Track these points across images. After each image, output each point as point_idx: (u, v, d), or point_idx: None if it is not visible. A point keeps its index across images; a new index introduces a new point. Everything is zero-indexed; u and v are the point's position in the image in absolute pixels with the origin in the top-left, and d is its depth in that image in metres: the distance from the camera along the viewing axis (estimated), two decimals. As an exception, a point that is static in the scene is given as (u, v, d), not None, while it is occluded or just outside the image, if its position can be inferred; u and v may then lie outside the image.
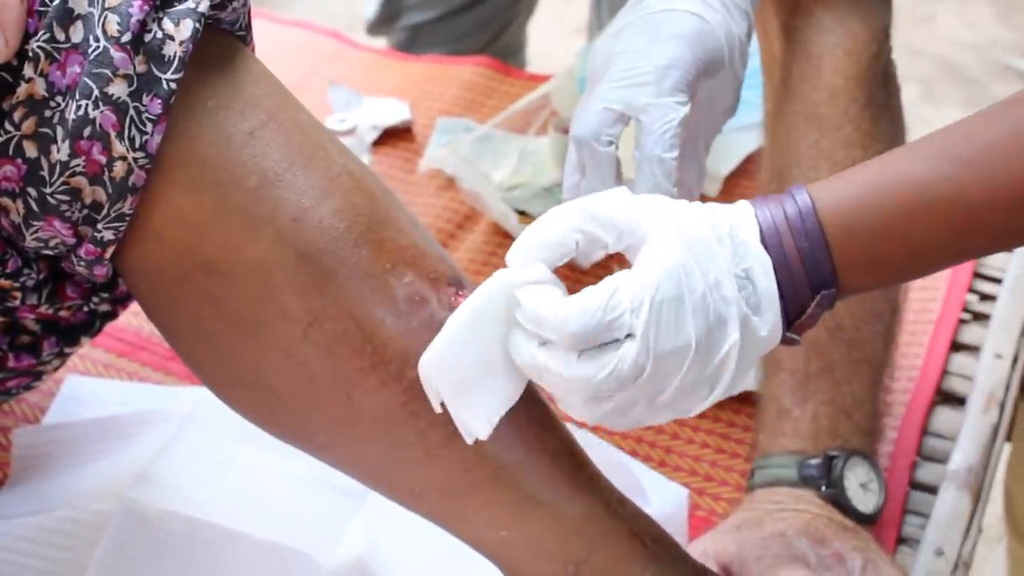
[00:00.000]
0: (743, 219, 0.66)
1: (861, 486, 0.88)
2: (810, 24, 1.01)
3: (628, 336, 0.63)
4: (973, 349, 1.11)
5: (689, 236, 0.64)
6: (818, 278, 0.66)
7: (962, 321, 1.14)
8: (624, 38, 0.82)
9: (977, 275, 1.19)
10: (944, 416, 1.05)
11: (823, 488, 0.87)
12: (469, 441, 0.67)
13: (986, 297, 1.17)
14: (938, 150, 0.66)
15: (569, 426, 0.77)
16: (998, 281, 1.18)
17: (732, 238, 0.65)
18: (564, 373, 0.64)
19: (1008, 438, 1.09)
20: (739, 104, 0.86)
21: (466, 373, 0.65)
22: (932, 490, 0.98)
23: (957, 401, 1.07)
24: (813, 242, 0.66)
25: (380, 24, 1.80)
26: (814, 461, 0.87)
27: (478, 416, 0.66)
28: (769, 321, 0.66)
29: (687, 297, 0.63)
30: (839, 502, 0.86)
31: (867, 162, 0.68)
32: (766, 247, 0.66)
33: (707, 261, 0.64)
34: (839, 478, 0.86)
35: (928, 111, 2.81)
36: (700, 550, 0.84)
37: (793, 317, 0.67)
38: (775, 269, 0.65)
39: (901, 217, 0.65)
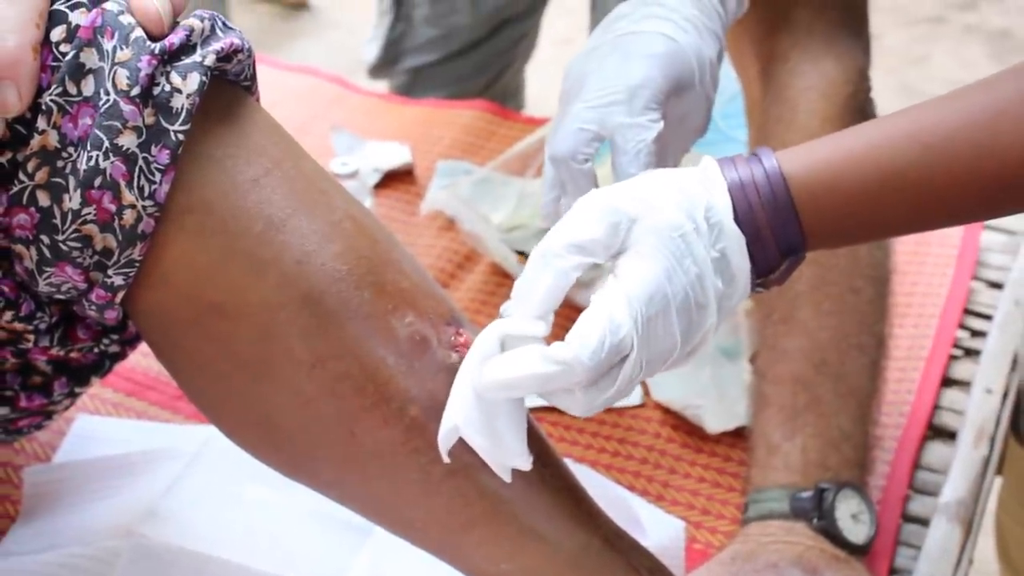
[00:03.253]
0: (716, 198, 0.68)
1: (852, 517, 0.88)
2: (786, 68, 1.02)
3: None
4: (964, 384, 1.13)
5: (666, 233, 0.66)
6: (787, 244, 0.69)
7: (953, 357, 1.15)
8: (596, 58, 0.84)
9: (968, 311, 1.20)
10: (936, 450, 1.06)
11: (815, 520, 0.87)
12: (508, 479, 0.67)
13: (976, 333, 1.18)
14: (905, 133, 0.68)
15: (568, 460, 0.78)
16: (988, 318, 1.19)
17: (707, 220, 0.67)
18: (570, 403, 0.66)
19: (998, 471, 1.10)
20: (712, 127, 0.88)
21: (489, 419, 0.66)
22: (924, 522, 0.99)
23: (948, 435, 1.08)
24: (784, 216, 0.68)
25: (381, 67, 1.82)
26: (805, 494, 0.88)
27: (512, 452, 0.67)
28: (740, 290, 0.69)
29: (671, 303, 0.65)
30: (831, 533, 0.87)
31: (837, 136, 0.71)
32: (739, 222, 0.68)
33: (686, 258, 0.66)
34: (830, 510, 0.87)
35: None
36: (696, 582, 0.86)
37: (763, 273, 0.70)
38: (748, 242, 0.68)
39: (868, 197, 0.68)
